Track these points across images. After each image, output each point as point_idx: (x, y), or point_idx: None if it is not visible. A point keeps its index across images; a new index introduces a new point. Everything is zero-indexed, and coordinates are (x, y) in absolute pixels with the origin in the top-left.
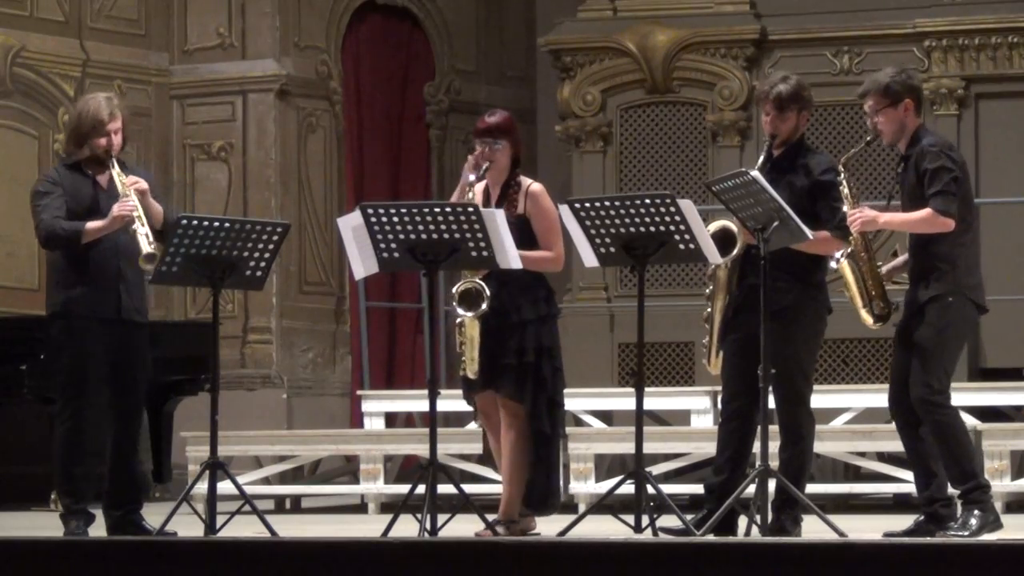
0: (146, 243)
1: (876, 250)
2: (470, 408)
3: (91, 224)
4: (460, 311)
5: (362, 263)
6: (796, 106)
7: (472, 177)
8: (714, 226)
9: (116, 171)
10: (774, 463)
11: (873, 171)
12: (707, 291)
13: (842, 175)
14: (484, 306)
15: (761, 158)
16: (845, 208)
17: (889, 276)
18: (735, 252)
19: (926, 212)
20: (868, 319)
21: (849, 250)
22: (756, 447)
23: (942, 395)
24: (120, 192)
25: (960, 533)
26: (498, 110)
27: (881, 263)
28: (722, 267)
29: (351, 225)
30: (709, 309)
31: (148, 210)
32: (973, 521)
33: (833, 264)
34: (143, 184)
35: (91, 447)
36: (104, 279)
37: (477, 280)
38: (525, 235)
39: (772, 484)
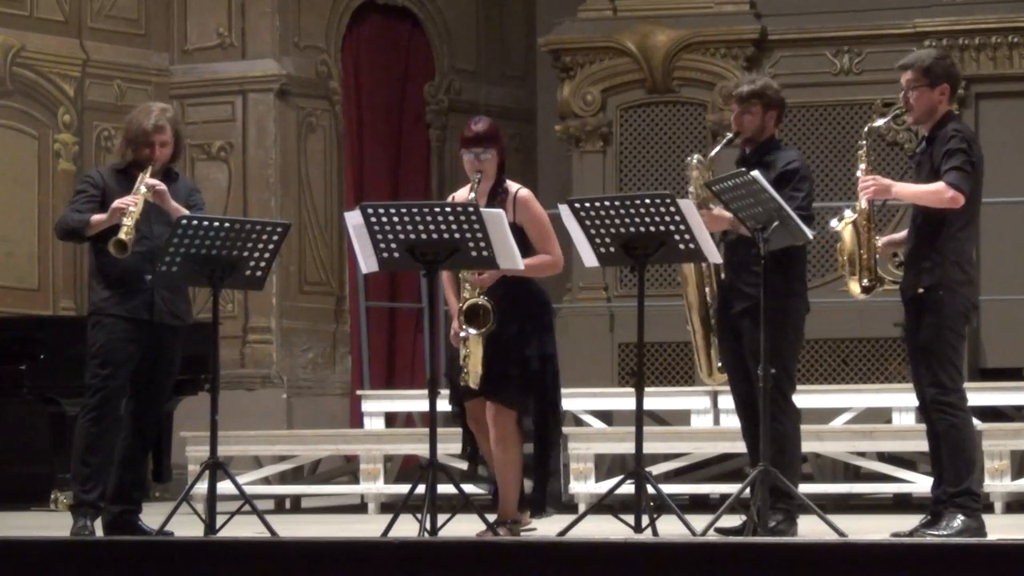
0: (122, 232)
1: (893, 228)
2: (450, 408)
3: (95, 216)
4: (471, 330)
5: (364, 260)
6: (759, 102)
7: (472, 195)
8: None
9: (147, 175)
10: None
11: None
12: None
13: (863, 141)
14: (491, 325)
15: (716, 148)
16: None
17: (884, 249)
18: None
19: (938, 184)
20: (853, 287)
21: (854, 216)
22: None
23: (956, 393)
24: (142, 192)
25: (938, 533)
26: (481, 117)
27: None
28: (688, 266)
29: (353, 223)
30: (688, 313)
31: (168, 211)
32: (956, 523)
33: (834, 223)
34: (162, 185)
35: (108, 442)
36: (137, 281)
37: (483, 299)
38: (517, 241)
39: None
